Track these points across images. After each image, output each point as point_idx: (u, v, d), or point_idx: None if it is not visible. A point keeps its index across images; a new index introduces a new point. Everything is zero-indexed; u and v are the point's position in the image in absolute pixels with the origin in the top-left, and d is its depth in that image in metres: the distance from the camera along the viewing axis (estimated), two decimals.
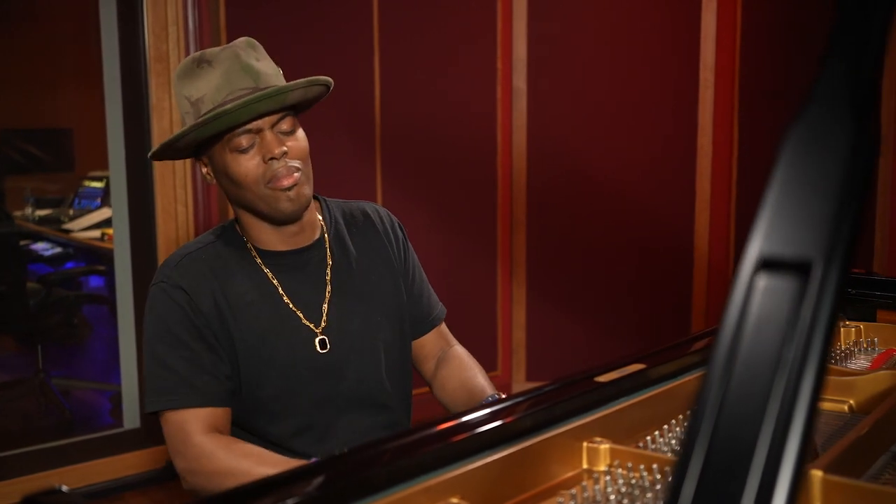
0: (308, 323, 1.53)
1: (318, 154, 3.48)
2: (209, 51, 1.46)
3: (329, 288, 1.56)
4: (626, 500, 0.98)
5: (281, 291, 1.53)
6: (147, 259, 3.31)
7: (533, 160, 4.09)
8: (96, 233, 4.62)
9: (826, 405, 1.39)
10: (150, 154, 1.52)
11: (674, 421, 1.23)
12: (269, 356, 1.49)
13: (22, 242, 4.74)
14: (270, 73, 1.48)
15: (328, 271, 1.58)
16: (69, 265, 4.89)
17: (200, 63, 1.44)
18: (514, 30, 4.06)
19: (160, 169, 3.26)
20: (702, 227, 4.06)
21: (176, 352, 1.45)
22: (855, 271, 1.88)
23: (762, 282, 0.54)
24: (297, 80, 1.46)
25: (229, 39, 3.25)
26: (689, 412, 1.25)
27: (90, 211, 5.16)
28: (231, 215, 3.27)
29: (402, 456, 0.94)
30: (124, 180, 3.32)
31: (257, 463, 1.36)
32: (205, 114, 1.42)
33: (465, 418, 1.06)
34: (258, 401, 1.50)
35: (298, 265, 1.56)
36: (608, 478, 1.01)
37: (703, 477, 0.49)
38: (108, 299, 4.70)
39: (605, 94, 4.09)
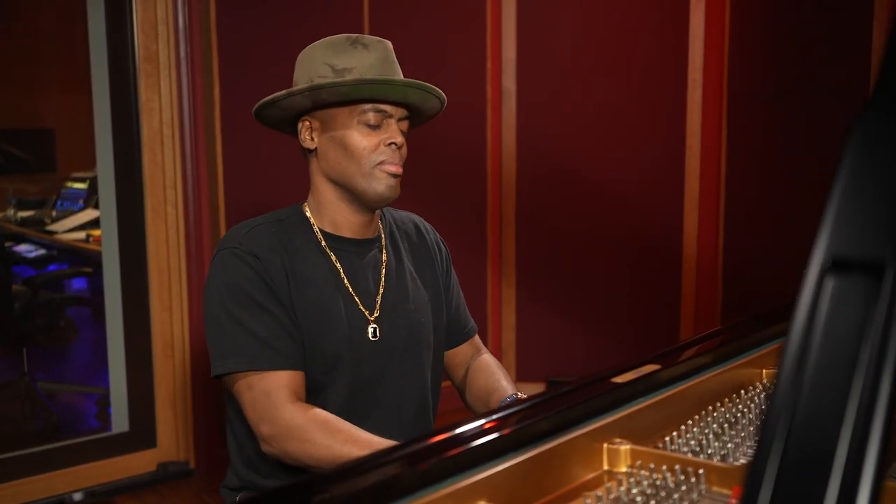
0: (364, 310, 1.58)
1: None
2: (364, 36, 1.56)
3: (383, 282, 1.63)
4: (652, 502, 0.98)
5: (342, 275, 1.58)
6: (136, 261, 3.28)
7: (522, 160, 4.09)
8: (81, 234, 4.57)
9: None
10: (260, 105, 1.59)
11: (690, 421, 1.22)
12: (325, 334, 1.53)
13: (5, 244, 4.68)
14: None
15: (383, 268, 1.64)
16: (52, 267, 4.84)
17: (355, 43, 1.54)
18: (504, 30, 4.06)
19: (150, 170, 3.23)
20: (690, 227, 4.07)
21: (255, 315, 1.47)
22: None
23: (832, 283, 0.54)
24: (437, 89, 1.59)
25: (220, 39, 3.24)
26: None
27: (73, 212, 5.11)
28: (222, 215, 3.25)
29: (429, 458, 0.93)
30: (112, 181, 3.28)
31: (345, 441, 1.38)
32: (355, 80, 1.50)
33: (488, 420, 1.05)
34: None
35: (360, 254, 1.62)
36: (632, 479, 1.01)
37: (780, 481, 0.49)
38: (94, 302, 4.66)
39: (594, 94, 4.09)
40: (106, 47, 3.22)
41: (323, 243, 1.59)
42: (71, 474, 3.18)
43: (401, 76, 1.57)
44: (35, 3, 6.01)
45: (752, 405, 1.30)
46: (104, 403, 3.90)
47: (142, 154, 3.22)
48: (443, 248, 1.81)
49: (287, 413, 1.42)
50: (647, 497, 0.98)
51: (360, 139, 1.53)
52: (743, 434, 1.20)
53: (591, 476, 1.09)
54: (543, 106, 4.05)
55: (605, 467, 1.10)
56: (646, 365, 1.29)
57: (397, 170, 1.55)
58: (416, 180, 3.92)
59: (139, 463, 3.32)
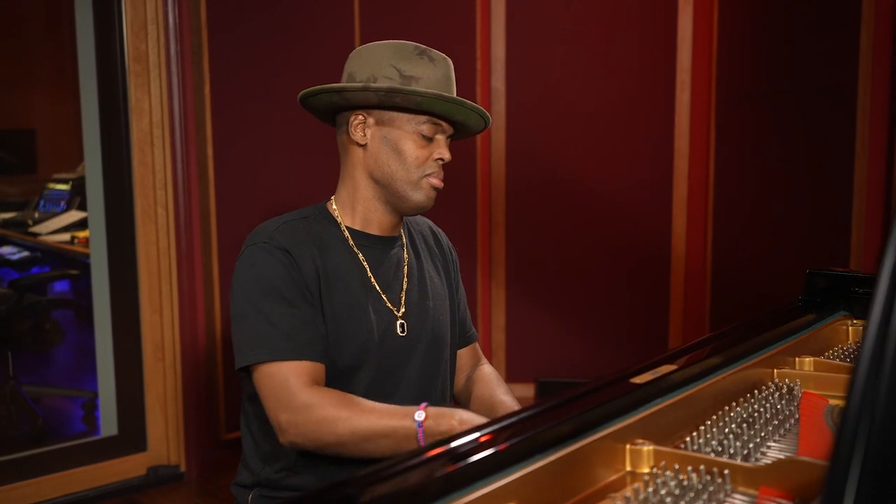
0: (391, 306, 1.62)
1: (301, 156, 3.45)
2: (429, 49, 1.60)
3: (405, 280, 1.66)
4: (682, 503, 0.97)
5: (369, 273, 1.61)
6: (125, 263, 3.24)
7: (511, 161, 4.09)
8: (65, 236, 4.51)
9: None
10: (320, 90, 1.58)
11: (709, 422, 1.22)
12: (353, 328, 1.55)
13: None
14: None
15: (405, 266, 1.68)
16: (36, 270, 4.77)
17: (422, 54, 1.58)
18: (493, 31, 4.06)
19: (139, 171, 3.19)
20: (679, 228, 4.09)
21: (281, 308, 1.48)
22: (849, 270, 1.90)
23: None
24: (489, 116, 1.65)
25: (211, 38, 3.21)
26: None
27: (55, 214, 5.04)
28: (214, 216, 3.22)
29: (459, 461, 0.92)
30: (101, 182, 3.24)
31: (362, 412, 1.40)
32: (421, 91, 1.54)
33: (516, 421, 1.04)
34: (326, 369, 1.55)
35: (384, 251, 1.65)
36: (659, 480, 1.00)
37: (864, 477, 0.48)
38: (81, 304, 4.60)
39: (583, 95, 4.10)
40: (94, 47, 3.18)
41: (350, 241, 1.62)
42: (59, 479, 3.13)
43: (454, 89, 1.62)
44: (17, 2, 5.94)
45: (768, 405, 1.30)
46: (91, 407, 3.86)
47: (131, 155, 3.19)
48: (453, 252, 1.86)
49: (304, 396, 1.43)
50: (676, 498, 0.98)
51: (414, 148, 1.57)
52: (763, 434, 1.20)
53: (614, 477, 1.08)
54: (533, 106, 4.05)
55: (628, 468, 1.10)
56: (662, 365, 1.28)
57: (440, 184, 1.60)
58: None
59: (129, 467, 3.27)
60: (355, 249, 1.61)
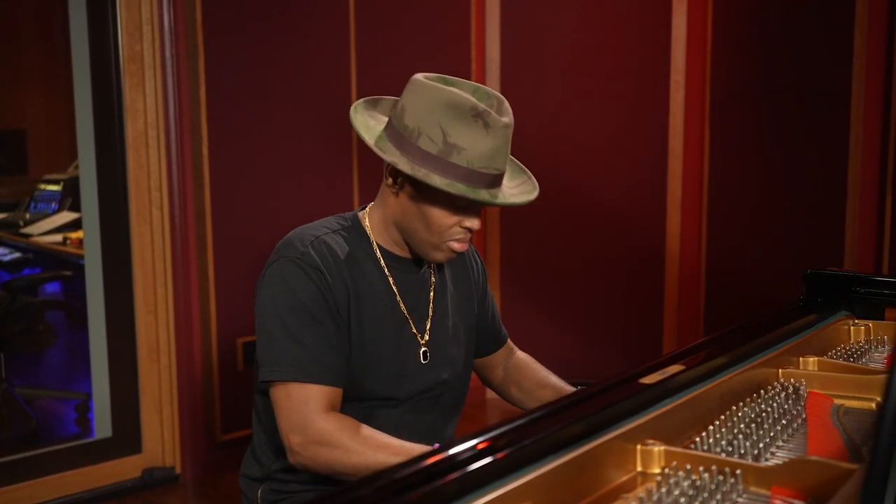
0: (416, 332, 1.61)
1: (296, 158, 3.45)
2: (490, 113, 1.43)
3: (431, 306, 1.65)
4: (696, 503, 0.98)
5: (398, 298, 1.59)
6: (120, 264, 3.22)
7: None
8: (57, 237, 4.48)
9: (854, 403, 1.40)
10: (351, 121, 1.51)
11: (717, 422, 1.22)
12: (378, 351, 1.55)
13: None
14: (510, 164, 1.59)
15: (431, 291, 1.66)
16: (27, 271, 4.75)
17: (478, 117, 1.42)
18: (488, 32, 4.06)
19: (134, 172, 3.17)
20: (673, 228, 4.10)
21: (309, 327, 1.47)
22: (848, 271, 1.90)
23: None
24: (529, 198, 1.58)
25: (206, 39, 3.20)
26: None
27: (47, 215, 5.01)
28: (209, 217, 3.21)
29: (475, 461, 0.92)
30: (95, 183, 3.22)
31: (377, 447, 1.40)
32: (458, 170, 1.43)
33: (523, 423, 1.04)
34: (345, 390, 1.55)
35: (413, 272, 1.63)
36: (672, 480, 1.00)
37: None
38: (74, 305, 4.57)
39: (577, 95, 4.11)
40: (88, 47, 3.16)
41: (382, 262, 1.59)
42: (53, 482, 3.11)
43: (506, 158, 1.51)
44: (6, 3, 5.90)
45: (775, 404, 1.31)
46: (84, 409, 3.84)
47: (126, 155, 3.17)
48: (478, 260, 1.83)
49: (320, 422, 1.43)
50: (690, 499, 0.98)
51: (441, 217, 1.49)
52: (772, 434, 1.20)
53: (625, 478, 1.08)
54: (527, 107, 4.04)
55: (639, 469, 1.10)
56: (670, 365, 1.28)
57: (464, 248, 1.54)
58: None
59: (123, 469, 3.26)
60: (386, 272, 1.59)
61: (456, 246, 1.53)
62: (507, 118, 1.47)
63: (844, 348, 1.67)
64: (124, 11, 3.11)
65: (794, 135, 3.79)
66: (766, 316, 1.64)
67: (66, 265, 4.41)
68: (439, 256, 1.55)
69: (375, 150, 1.47)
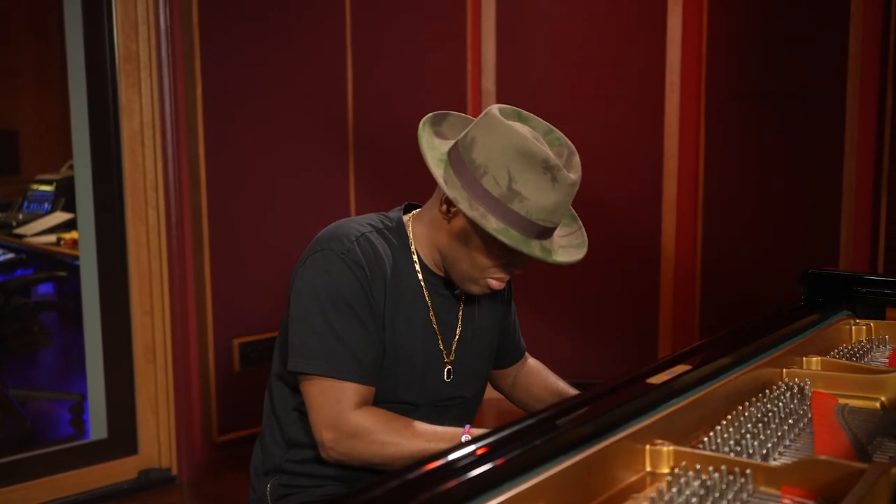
0: (442, 348, 1.61)
1: (293, 158, 3.44)
2: (560, 169, 1.43)
3: (460, 326, 1.64)
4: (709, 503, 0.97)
5: (431, 312, 1.59)
6: (115, 264, 3.21)
7: None
8: (51, 237, 4.46)
9: (859, 403, 1.41)
10: (419, 139, 1.47)
11: (724, 422, 1.22)
12: (405, 357, 1.55)
13: None
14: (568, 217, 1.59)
15: (460, 311, 1.64)
16: (20, 272, 4.72)
17: (548, 171, 1.41)
18: (483, 32, 4.06)
19: (130, 172, 3.16)
20: (669, 229, 4.10)
21: (349, 323, 1.47)
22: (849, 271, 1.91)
23: None
24: (576, 258, 1.54)
25: (202, 39, 3.19)
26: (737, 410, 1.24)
27: (40, 215, 4.98)
28: (206, 217, 3.19)
29: (487, 462, 0.92)
30: (90, 183, 3.21)
31: (412, 436, 1.43)
32: (514, 219, 1.41)
33: (537, 422, 1.04)
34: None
35: (445, 289, 1.62)
36: (682, 480, 1.00)
37: None
38: (69, 306, 4.56)
39: (572, 96, 4.11)
40: (83, 47, 3.14)
41: (420, 275, 1.58)
42: (48, 484, 3.10)
43: (565, 213, 1.52)
44: (1, 2, 5.87)
45: (781, 404, 1.31)
46: (79, 410, 3.82)
47: (122, 155, 3.16)
48: None
49: (354, 418, 1.44)
50: (701, 499, 0.98)
51: (484, 256, 1.48)
52: (779, 433, 1.20)
53: (634, 478, 1.08)
54: (522, 106, 4.01)
55: (648, 469, 1.10)
56: (676, 365, 1.28)
57: (500, 287, 1.53)
58: (398, 185, 3.90)
59: (119, 470, 3.24)
60: (422, 284, 1.58)
61: (494, 284, 1.52)
62: (576, 175, 1.46)
63: (846, 348, 1.67)
64: (120, 10, 3.10)
65: (789, 135, 3.80)
66: (767, 316, 1.65)
67: (59, 266, 4.39)
68: (475, 290, 1.54)
69: (440, 181, 1.44)
